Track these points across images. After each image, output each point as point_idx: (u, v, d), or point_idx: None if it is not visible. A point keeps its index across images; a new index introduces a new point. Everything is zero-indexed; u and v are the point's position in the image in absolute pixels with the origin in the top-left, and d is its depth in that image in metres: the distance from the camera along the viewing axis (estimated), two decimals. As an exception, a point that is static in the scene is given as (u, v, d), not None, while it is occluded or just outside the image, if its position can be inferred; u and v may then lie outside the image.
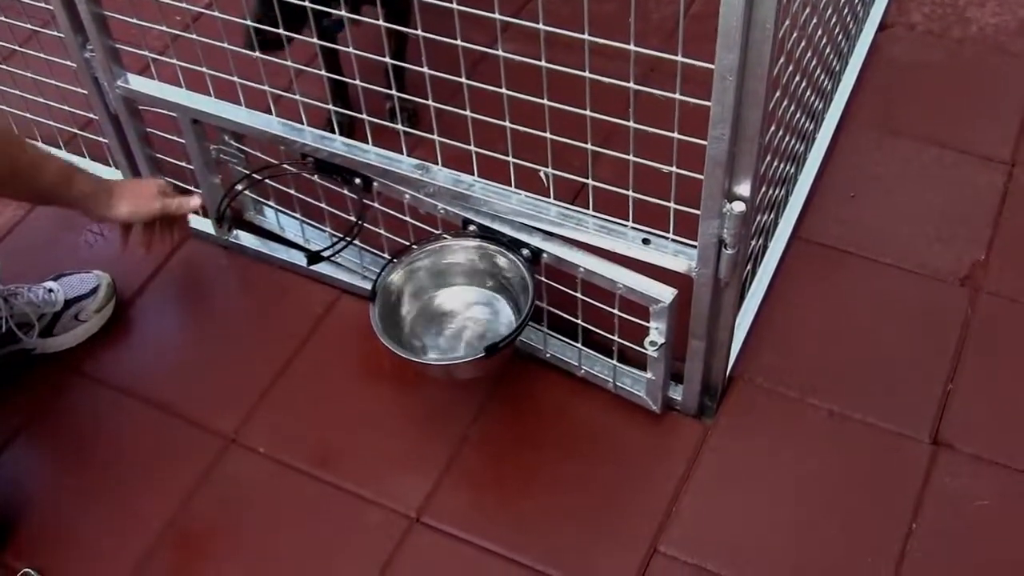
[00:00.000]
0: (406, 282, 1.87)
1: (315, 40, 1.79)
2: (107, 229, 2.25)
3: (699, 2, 2.56)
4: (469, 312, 1.89)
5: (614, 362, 1.86)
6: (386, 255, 1.96)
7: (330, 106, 1.88)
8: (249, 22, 1.88)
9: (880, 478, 1.81)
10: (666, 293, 1.68)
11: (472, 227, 1.81)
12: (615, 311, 1.76)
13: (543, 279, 1.81)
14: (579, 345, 1.88)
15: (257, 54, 1.83)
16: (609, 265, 1.72)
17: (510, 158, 1.68)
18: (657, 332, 1.73)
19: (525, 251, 1.77)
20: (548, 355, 1.94)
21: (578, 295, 1.79)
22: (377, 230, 1.95)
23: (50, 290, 2.02)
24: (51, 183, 1.72)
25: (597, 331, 1.83)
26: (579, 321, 1.83)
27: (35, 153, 1.71)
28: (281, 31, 1.75)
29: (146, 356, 2.06)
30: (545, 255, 1.76)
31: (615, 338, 1.81)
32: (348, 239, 1.87)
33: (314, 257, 1.86)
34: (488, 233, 1.80)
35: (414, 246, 1.87)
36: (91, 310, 2.04)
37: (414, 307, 1.89)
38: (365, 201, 1.89)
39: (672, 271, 1.66)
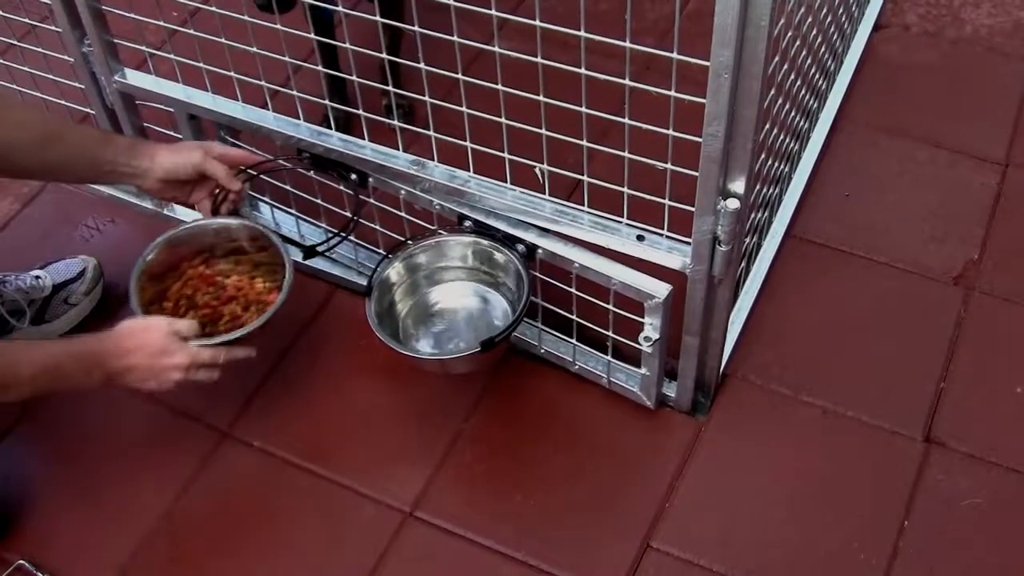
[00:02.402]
0: (402, 277, 1.88)
1: (312, 36, 1.79)
2: (103, 223, 2.25)
3: (695, 0, 2.57)
4: (464, 307, 1.90)
5: (608, 358, 1.87)
6: (381, 250, 1.97)
7: (327, 102, 1.89)
8: None
9: (872, 476, 1.82)
10: (661, 289, 1.68)
11: (467, 223, 1.81)
12: (610, 307, 1.76)
13: (538, 275, 1.81)
14: (574, 341, 1.89)
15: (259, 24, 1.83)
16: (604, 261, 1.73)
17: (506, 154, 1.68)
18: (651, 328, 1.73)
19: (520, 247, 1.78)
20: (543, 351, 1.94)
21: (573, 291, 1.79)
22: (373, 226, 1.96)
23: (37, 276, 2.03)
24: (99, 141, 1.75)
25: (591, 327, 1.84)
26: (574, 317, 1.84)
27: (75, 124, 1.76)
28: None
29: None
30: (540, 251, 1.77)
31: (609, 334, 1.81)
32: (343, 234, 1.88)
33: (309, 251, 1.86)
34: (483, 229, 1.81)
35: (409, 241, 1.87)
36: (80, 293, 2.05)
37: (409, 302, 1.89)
38: (361, 197, 1.90)
39: (666, 268, 1.66)
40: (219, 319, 1.81)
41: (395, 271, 1.86)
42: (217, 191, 1.85)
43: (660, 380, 1.85)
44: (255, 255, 1.88)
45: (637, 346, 1.76)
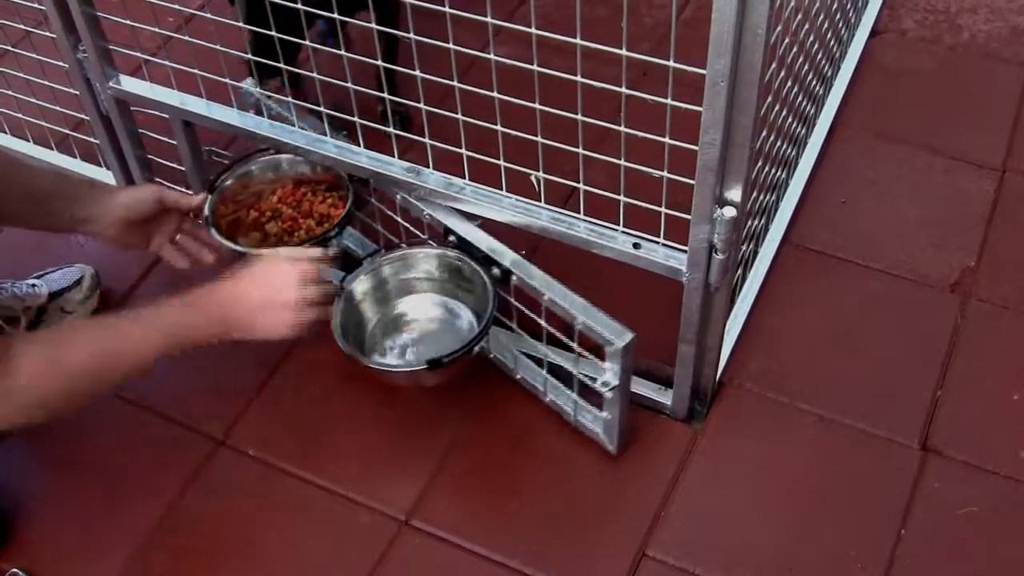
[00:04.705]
0: (369, 288, 1.86)
1: (307, 43, 1.79)
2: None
3: (691, 7, 2.57)
4: (433, 319, 1.88)
5: (574, 396, 1.80)
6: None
7: (322, 108, 1.88)
8: (249, 56, 1.87)
9: (869, 484, 1.82)
10: (622, 336, 1.63)
11: (452, 238, 1.79)
12: (574, 345, 1.72)
13: (513, 301, 1.78)
14: (545, 373, 1.84)
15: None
16: (572, 297, 1.68)
17: (501, 161, 1.68)
18: (611, 373, 1.68)
19: (495, 270, 1.75)
20: (519, 376, 1.90)
21: (543, 323, 1.74)
22: (375, 225, 1.95)
23: (33, 284, 2.03)
24: (51, 186, 1.77)
25: (560, 362, 1.79)
26: (544, 348, 1.79)
27: (25, 163, 1.78)
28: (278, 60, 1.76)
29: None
30: (514, 277, 1.73)
31: (575, 372, 1.76)
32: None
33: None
34: (465, 247, 1.78)
35: (381, 251, 1.86)
36: (76, 301, 2.04)
37: (378, 313, 1.88)
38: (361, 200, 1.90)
39: (663, 275, 1.66)
40: (296, 231, 1.90)
41: (361, 283, 1.85)
42: (176, 235, 1.90)
43: (623, 426, 1.79)
44: (320, 185, 1.97)
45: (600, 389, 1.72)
